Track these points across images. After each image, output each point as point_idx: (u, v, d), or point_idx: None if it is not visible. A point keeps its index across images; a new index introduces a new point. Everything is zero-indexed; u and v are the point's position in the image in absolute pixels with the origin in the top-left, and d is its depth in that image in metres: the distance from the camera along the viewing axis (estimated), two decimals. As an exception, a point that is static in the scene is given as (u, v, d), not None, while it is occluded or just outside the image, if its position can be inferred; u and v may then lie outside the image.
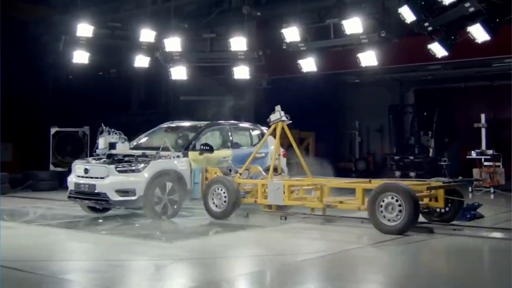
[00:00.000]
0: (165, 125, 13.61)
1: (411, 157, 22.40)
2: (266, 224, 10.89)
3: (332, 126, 25.49)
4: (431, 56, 13.78)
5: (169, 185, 11.48)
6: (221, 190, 11.27)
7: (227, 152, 12.75)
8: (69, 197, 11.93)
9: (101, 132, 12.35)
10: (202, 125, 12.99)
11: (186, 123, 13.58)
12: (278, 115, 11.66)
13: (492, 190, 16.91)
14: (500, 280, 6.94)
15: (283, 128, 11.80)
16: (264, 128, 13.69)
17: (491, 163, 17.41)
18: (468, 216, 10.77)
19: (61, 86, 20.58)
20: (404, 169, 21.87)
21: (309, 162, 23.12)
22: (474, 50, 14.98)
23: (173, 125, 13.57)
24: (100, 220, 11.69)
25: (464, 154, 18.64)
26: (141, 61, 17.37)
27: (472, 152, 17.87)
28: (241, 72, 16.61)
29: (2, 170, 17.26)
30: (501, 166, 17.53)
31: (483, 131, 18.15)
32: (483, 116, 18.43)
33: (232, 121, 13.87)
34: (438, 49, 13.48)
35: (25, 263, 7.61)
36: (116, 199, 11.11)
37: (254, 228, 10.81)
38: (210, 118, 14.90)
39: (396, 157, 22.77)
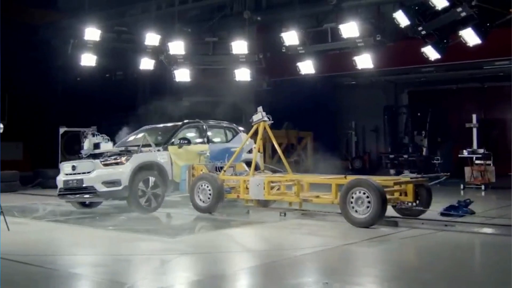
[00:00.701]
0: (146, 127, 13.95)
1: (405, 156, 22.37)
2: (266, 220, 10.89)
3: (329, 126, 25.50)
4: (424, 59, 13.79)
5: (152, 179, 11.83)
6: (206, 186, 11.46)
7: (204, 147, 13.12)
8: (59, 195, 12.19)
9: (85, 135, 12.83)
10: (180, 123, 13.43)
11: (166, 124, 13.95)
12: (260, 115, 11.81)
13: (483, 187, 16.92)
14: (489, 273, 6.95)
15: (265, 128, 11.94)
16: (241, 128, 14.31)
17: (482, 162, 17.41)
18: (460, 212, 10.77)
19: (69, 88, 20.57)
20: (399, 167, 21.82)
21: (308, 160, 23.13)
22: (466, 53, 14.99)
23: (154, 126, 13.95)
24: (106, 217, 11.70)
25: (456, 153, 18.64)
26: (146, 63, 17.40)
27: (464, 151, 17.88)
28: (242, 74, 16.62)
29: (13, 169, 17.28)
30: (491, 165, 17.53)
31: (475, 130, 18.14)
32: (474, 116, 18.43)
33: (208, 120, 14.20)
34: (431, 52, 13.49)
35: (35, 257, 7.61)
36: (103, 190, 11.48)
37: (255, 224, 10.81)
38: (213, 118, 14.97)
39: (391, 156, 22.74)
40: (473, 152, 17.70)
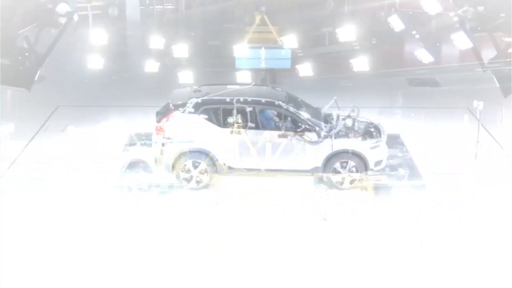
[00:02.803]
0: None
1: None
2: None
3: (326, 126, 25.41)
4: (418, 62, 13.80)
5: None
6: None
7: None
8: None
9: None
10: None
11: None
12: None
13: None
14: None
15: None
16: None
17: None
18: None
19: (77, 89, 20.53)
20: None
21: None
22: (458, 56, 15.00)
23: None
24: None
25: (449, 151, 18.59)
26: (151, 66, 17.39)
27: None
28: (244, 77, 16.61)
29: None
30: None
31: (466, 130, 18.10)
32: (465, 117, 18.40)
33: None
34: (424, 55, 13.50)
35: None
36: None
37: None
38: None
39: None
40: (465, 151, 17.67)
